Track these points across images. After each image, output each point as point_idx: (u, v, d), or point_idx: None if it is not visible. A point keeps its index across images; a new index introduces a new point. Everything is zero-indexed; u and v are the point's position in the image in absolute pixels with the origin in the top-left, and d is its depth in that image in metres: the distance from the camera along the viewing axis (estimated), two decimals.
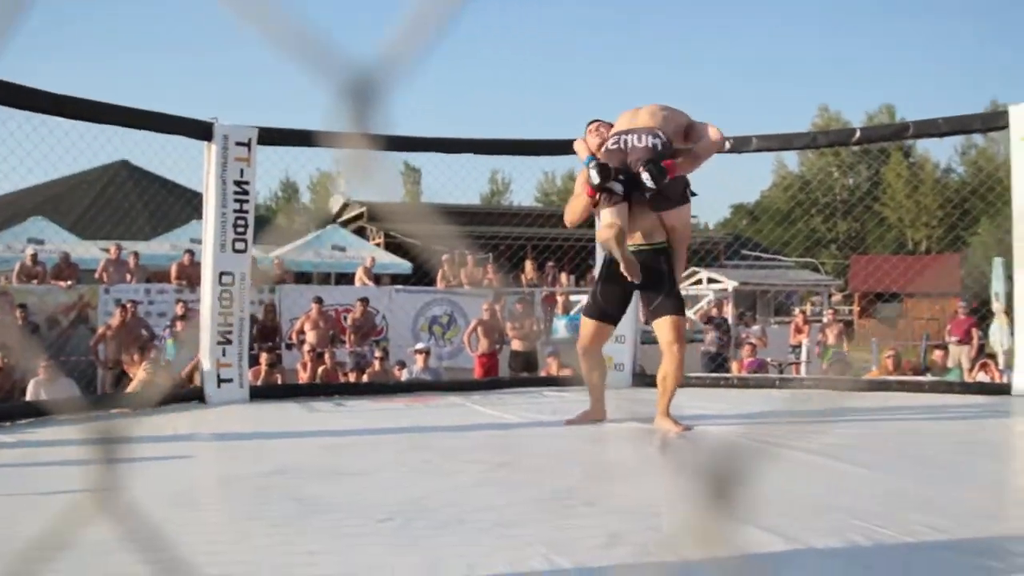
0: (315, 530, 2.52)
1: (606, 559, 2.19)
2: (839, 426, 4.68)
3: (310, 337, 10.04)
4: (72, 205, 19.55)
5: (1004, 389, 6.26)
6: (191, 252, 11.28)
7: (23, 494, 3.15)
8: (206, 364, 6.11)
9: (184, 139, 6.14)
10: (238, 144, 6.11)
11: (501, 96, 65.78)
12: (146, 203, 19.56)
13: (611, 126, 4.58)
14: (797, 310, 16.63)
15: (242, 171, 6.13)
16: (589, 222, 4.81)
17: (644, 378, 6.65)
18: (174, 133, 6.10)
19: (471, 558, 2.19)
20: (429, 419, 5.42)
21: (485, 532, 2.47)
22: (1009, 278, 7.03)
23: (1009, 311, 8.84)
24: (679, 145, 4.44)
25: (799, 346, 12.43)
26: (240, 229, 6.11)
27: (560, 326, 11.69)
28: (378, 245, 19.35)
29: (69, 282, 11.00)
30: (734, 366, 10.53)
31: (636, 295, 4.83)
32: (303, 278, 14.77)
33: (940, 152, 55.08)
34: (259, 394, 6.46)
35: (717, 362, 10.54)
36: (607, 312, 4.66)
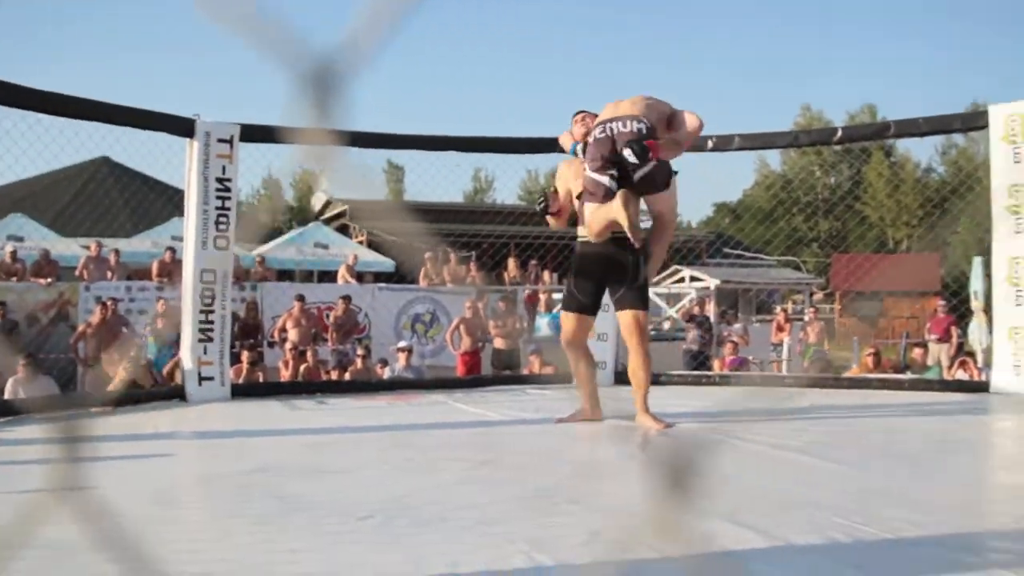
0: (297, 528, 2.51)
1: (586, 556, 2.19)
2: (819, 423, 4.72)
3: (292, 335, 10.02)
4: (52, 201, 19.34)
5: (982, 387, 6.35)
6: (172, 249, 11.20)
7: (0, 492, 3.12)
8: (187, 362, 6.08)
9: (166, 136, 6.11)
10: (220, 141, 6.08)
11: (484, 94, 65.75)
12: (127, 200, 19.43)
13: (596, 117, 4.64)
14: (779, 308, 16.75)
15: (224, 168, 6.10)
16: (571, 220, 4.88)
17: (627, 376, 6.66)
18: (156, 129, 6.07)
19: (453, 556, 2.19)
20: (411, 417, 5.42)
21: (467, 530, 2.47)
22: (988, 277, 7.09)
23: (988, 309, 8.93)
24: (662, 133, 4.52)
25: (780, 344, 12.52)
26: (222, 226, 6.08)
27: (543, 324, 11.73)
28: (361, 243, 19.30)
29: (49, 279, 10.89)
30: (716, 364, 10.57)
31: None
32: (285, 275, 14.71)
33: (921, 152, 55.41)
34: (240, 392, 6.44)
35: (699, 360, 10.57)
36: (584, 304, 4.72)
